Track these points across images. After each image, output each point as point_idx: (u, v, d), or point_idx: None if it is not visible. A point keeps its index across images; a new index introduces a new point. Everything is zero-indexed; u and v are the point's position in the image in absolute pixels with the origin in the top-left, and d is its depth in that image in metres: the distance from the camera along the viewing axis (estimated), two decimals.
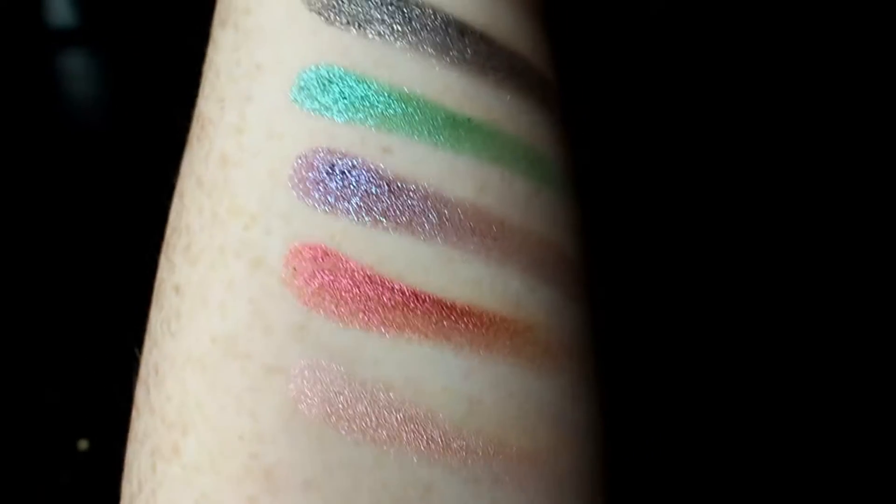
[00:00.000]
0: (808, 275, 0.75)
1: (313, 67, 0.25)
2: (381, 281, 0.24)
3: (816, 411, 0.69)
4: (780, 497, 0.65)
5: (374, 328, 0.24)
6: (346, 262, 0.24)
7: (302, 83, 0.25)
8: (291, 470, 0.23)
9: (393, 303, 0.24)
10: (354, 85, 0.25)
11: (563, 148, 0.28)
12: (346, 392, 0.24)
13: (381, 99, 0.25)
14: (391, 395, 0.24)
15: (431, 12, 0.25)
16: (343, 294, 0.24)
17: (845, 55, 0.81)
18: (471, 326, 0.25)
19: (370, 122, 0.25)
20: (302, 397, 0.24)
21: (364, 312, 0.24)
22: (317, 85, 0.25)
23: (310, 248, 0.24)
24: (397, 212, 0.24)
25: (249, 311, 0.24)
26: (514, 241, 0.26)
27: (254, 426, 0.24)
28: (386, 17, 0.25)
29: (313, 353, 0.24)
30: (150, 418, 0.26)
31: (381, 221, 0.24)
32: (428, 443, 0.24)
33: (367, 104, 0.25)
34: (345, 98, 0.25)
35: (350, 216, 0.24)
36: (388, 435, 0.24)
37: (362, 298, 0.24)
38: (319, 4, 0.25)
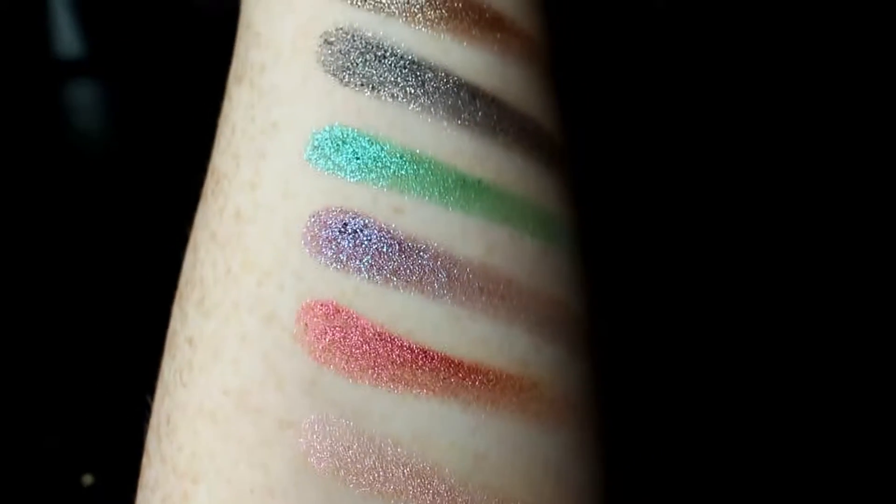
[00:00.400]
0: (808, 274, 0.75)
1: (327, 127, 0.25)
2: (390, 338, 0.25)
3: (816, 411, 0.69)
4: (780, 497, 0.65)
5: (384, 384, 0.24)
6: (357, 319, 0.25)
7: (316, 143, 0.25)
8: None
9: (402, 360, 0.25)
10: (367, 146, 0.25)
11: (570, 206, 0.29)
12: (354, 446, 0.24)
13: (394, 160, 0.25)
14: (399, 449, 0.24)
15: (444, 75, 0.26)
16: (353, 350, 0.24)
17: (847, 55, 0.82)
18: (478, 383, 0.25)
19: (382, 182, 0.25)
20: (312, 451, 0.24)
21: (374, 369, 0.24)
22: (330, 145, 0.25)
23: (321, 305, 0.25)
24: (408, 271, 0.25)
25: (262, 366, 0.25)
26: (522, 301, 0.26)
27: (265, 479, 0.24)
28: (399, 80, 0.26)
29: (323, 407, 0.24)
30: (162, 467, 0.27)
31: (392, 280, 0.25)
32: (434, 497, 0.25)
33: (380, 165, 0.25)
34: (358, 158, 0.25)
35: (361, 274, 0.25)
36: (394, 489, 0.24)
37: (372, 355, 0.25)
38: (334, 65, 0.26)
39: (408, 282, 0.25)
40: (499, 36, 0.27)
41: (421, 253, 0.25)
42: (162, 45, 1.36)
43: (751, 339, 0.71)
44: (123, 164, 1.14)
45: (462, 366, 0.25)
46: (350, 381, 0.24)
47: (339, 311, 0.25)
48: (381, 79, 0.26)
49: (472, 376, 0.25)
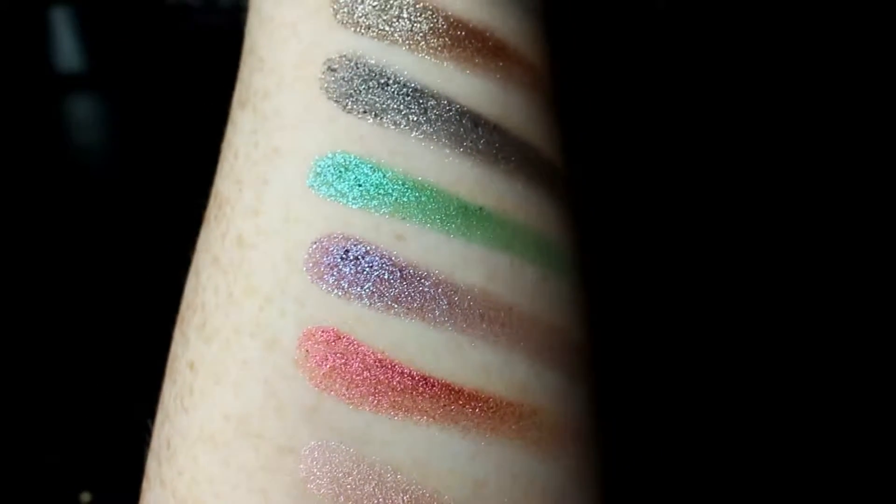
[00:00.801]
0: (808, 274, 0.75)
1: (329, 154, 0.26)
2: (391, 365, 0.25)
3: (816, 411, 0.69)
4: (780, 497, 0.65)
5: (384, 411, 0.25)
6: (358, 345, 0.25)
7: (318, 169, 0.26)
8: None
9: (402, 386, 0.25)
10: (369, 173, 0.25)
11: (571, 233, 0.29)
12: (354, 473, 0.24)
13: (396, 187, 0.25)
14: (399, 476, 0.25)
15: (446, 103, 0.26)
16: (354, 377, 0.25)
17: (847, 55, 0.82)
18: (478, 410, 0.25)
19: (384, 209, 0.25)
20: (312, 478, 0.24)
21: (374, 395, 0.25)
22: (333, 171, 0.25)
23: (323, 332, 0.25)
24: (409, 298, 0.25)
25: (263, 392, 0.25)
26: (522, 328, 0.26)
27: None
28: (402, 108, 0.26)
29: (324, 434, 0.24)
30: (161, 491, 0.27)
31: (393, 307, 0.25)
32: None
33: (382, 192, 0.25)
34: (360, 185, 0.25)
35: (363, 301, 0.25)
36: None
37: (373, 382, 0.25)
38: (337, 93, 0.26)
39: (409, 309, 0.25)
40: (501, 64, 0.27)
41: (422, 280, 0.25)
42: (161, 60, 1.37)
43: (751, 341, 0.71)
44: (123, 175, 1.14)
45: (462, 393, 0.25)
46: (351, 407, 0.24)
47: (340, 338, 0.25)
48: (384, 106, 0.26)
49: (473, 403, 0.25)
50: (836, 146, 0.81)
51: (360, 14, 0.26)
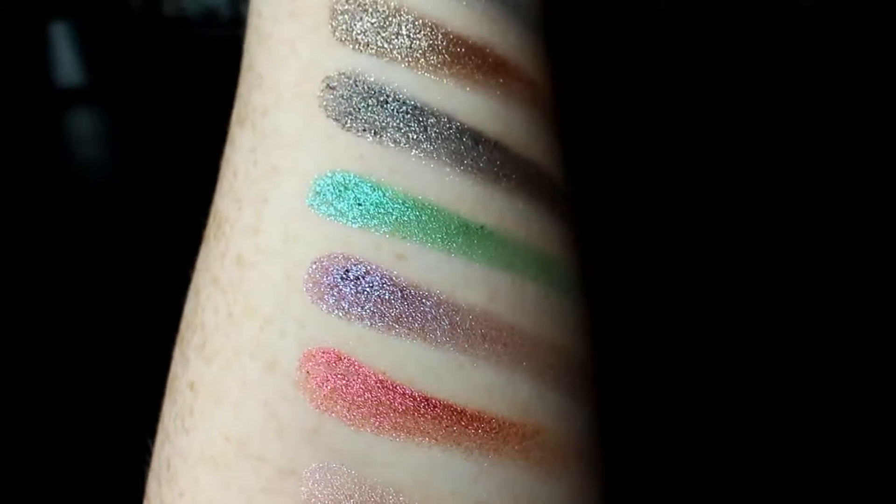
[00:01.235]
0: (808, 275, 0.75)
1: (329, 173, 0.25)
2: (392, 386, 0.25)
3: (816, 411, 0.69)
4: (780, 497, 0.65)
5: (385, 432, 0.24)
6: (359, 366, 0.24)
7: (318, 188, 0.25)
8: None
9: (404, 408, 0.25)
10: (369, 192, 0.25)
11: (572, 250, 0.29)
12: (356, 495, 0.24)
13: (396, 206, 0.25)
14: (401, 498, 0.24)
15: (447, 120, 0.26)
16: (355, 398, 0.24)
17: (847, 55, 0.82)
18: (480, 431, 0.25)
19: (385, 228, 0.25)
20: (313, 500, 0.24)
21: (375, 417, 0.24)
22: (332, 191, 0.25)
23: (323, 352, 0.25)
24: (410, 318, 0.25)
25: (263, 413, 0.25)
26: (524, 347, 0.26)
27: None
28: (402, 125, 0.26)
29: (325, 456, 0.24)
30: None
31: (394, 327, 0.25)
32: None
33: (382, 211, 0.25)
34: (360, 205, 0.25)
35: (363, 321, 0.25)
36: None
37: (374, 403, 0.24)
38: (336, 111, 0.26)
39: (410, 329, 0.25)
40: (502, 80, 0.27)
41: (423, 300, 0.25)
42: (160, 72, 1.37)
43: (754, 355, 0.71)
44: (123, 188, 1.14)
45: (464, 413, 0.25)
46: (352, 429, 0.24)
47: (340, 359, 0.24)
48: (383, 124, 0.26)
49: (475, 424, 0.25)
50: (835, 147, 0.81)
51: (359, 31, 0.26)
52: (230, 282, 0.26)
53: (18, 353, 0.82)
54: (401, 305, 0.25)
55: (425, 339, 0.25)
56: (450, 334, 0.25)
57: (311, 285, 0.25)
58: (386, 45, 0.26)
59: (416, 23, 0.26)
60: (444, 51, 0.26)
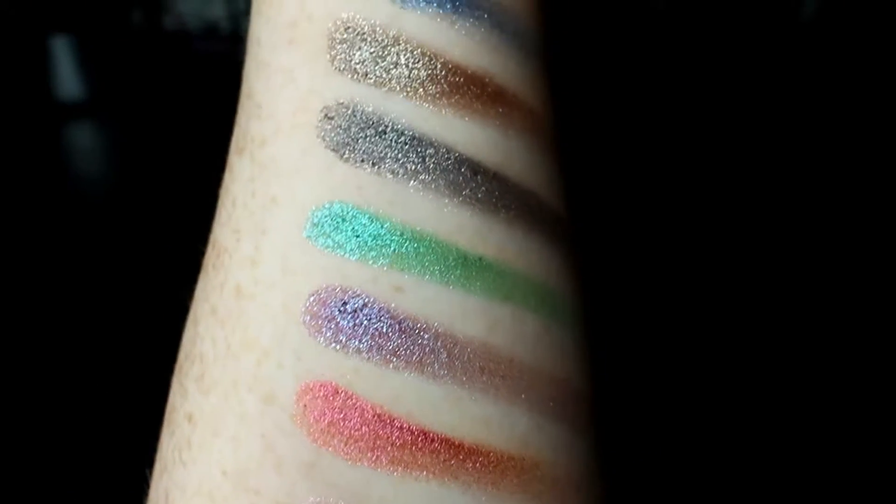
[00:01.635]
0: (808, 275, 0.75)
1: (327, 204, 0.25)
2: (390, 420, 0.24)
3: (816, 411, 0.68)
4: (780, 497, 0.65)
5: (383, 467, 0.24)
6: (356, 400, 0.24)
7: (316, 220, 0.25)
8: None
9: (402, 441, 0.24)
10: (367, 223, 0.25)
11: (572, 280, 0.28)
12: None
13: (394, 238, 0.25)
14: None
15: (445, 151, 0.26)
16: (352, 432, 0.24)
17: (846, 56, 0.82)
18: (478, 465, 0.25)
19: (382, 260, 0.25)
20: None
21: (373, 451, 0.24)
22: (330, 222, 0.25)
23: (321, 386, 0.24)
24: (408, 351, 0.25)
25: (261, 447, 0.25)
26: (523, 380, 0.26)
27: None
28: (400, 156, 0.26)
29: (322, 490, 0.24)
30: None
31: (392, 360, 0.25)
32: None
33: (380, 243, 0.25)
34: (357, 237, 0.25)
35: (361, 355, 0.24)
36: None
37: (371, 437, 0.24)
38: (334, 141, 0.26)
39: (408, 362, 0.25)
40: (501, 110, 0.27)
41: (421, 333, 0.25)
42: (161, 86, 1.37)
43: (750, 339, 0.71)
44: (123, 202, 1.14)
45: (462, 447, 0.25)
46: (349, 463, 0.24)
47: (338, 392, 0.24)
48: (382, 154, 0.26)
49: (473, 458, 0.25)
50: (835, 147, 0.81)
51: (358, 61, 0.26)
52: (229, 313, 0.26)
53: (14, 369, 0.82)
54: (398, 338, 0.25)
55: (423, 371, 0.25)
56: (448, 367, 0.25)
57: (308, 318, 0.25)
58: (384, 75, 0.26)
59: (415, 52, 0.26)
60: (443, 81, 0.26)
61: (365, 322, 0.25)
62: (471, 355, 0.25)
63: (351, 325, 0.25)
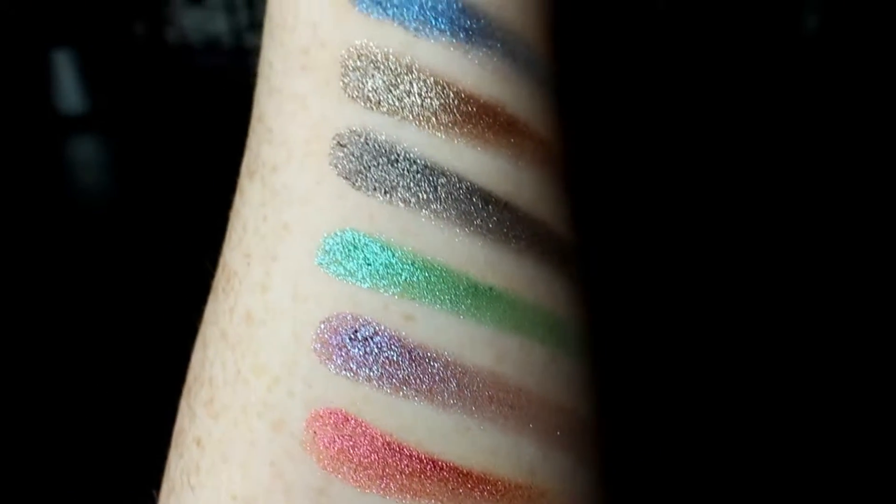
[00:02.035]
0: (809, 276, 0.75)
1: (338, 232, 0.25)
2: (399, 448, 0.24)
3: (816, 411, 0.68)
4: (780, 497, 0.65)
5: (392, 495, 0.24)
6: (366, 428, 0.24)
7: (327, 247, 0.25)
8: None
9: (411, 470, 0.24)
10: (379, 252, 0.25)
11: (580, 309, 0.29)
12: None
13: (405, 267, 0.25)
14: None
15: (457, 180, 0.26)
16: (362, 460, 0.24)
17: (846, 57, 0.82)
18: (486, 494, 0.25)
19: (393, 289, 0.25)
20: None
21: (382, 479, 0.24)
22: (342, 250, 0.25)
23: (331, 413, 0.25)
24: (418, 379, 0.25)
25: (270, 473, 0.25)
26: (531, 409, 0.26)
27: None
28: (412, 185, 0.26)
29: None
30: None
31: (402, 389, 0.25)
32: None
33: (391, 272, 0.25)
34: (369, 265, 0.25)
35: (371, 383, 0.25)
36: None
37: (381, 465, 0.24)
38: (347, 169, 0.26)
39: (418, 391, 0.25)
40: (513, 140, 0.27)
41: (431, 362, 0.25)
42: (163, 100, 1.37)
43: (750, 339, 0.71)
44: (125, 216, 1.14)
45: (471, 476, 0.25)
46: (358, 490, 0.24)
47: (348, 420, 0.24)
48: (394, 183, 0.26)
49: (481, 486, 0.25)
50: (835, 148, 0.81)
51: (370, 89, 0.26)
52: (239, 338, 0.26)
53: (16, 382, 0.82)
54: (409, 367, 0.25)
55: (433, 400, 0.25)
56: (457, 396, 0.25)
57: (319, 345, 0.25)
58: (397, 104, 0.26)
59: (428, 81, 0.26)
60: (455, 110, 0.26)
61: (375, 350, 0.25)
62: (480, 385, 0.25)
63: (362, 353, 0.25)
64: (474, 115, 0.27)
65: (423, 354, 0.25)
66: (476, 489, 0.25)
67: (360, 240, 0.25)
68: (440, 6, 0.27)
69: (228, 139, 0.31)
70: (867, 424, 0.68)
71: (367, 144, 0.26)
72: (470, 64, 0.27)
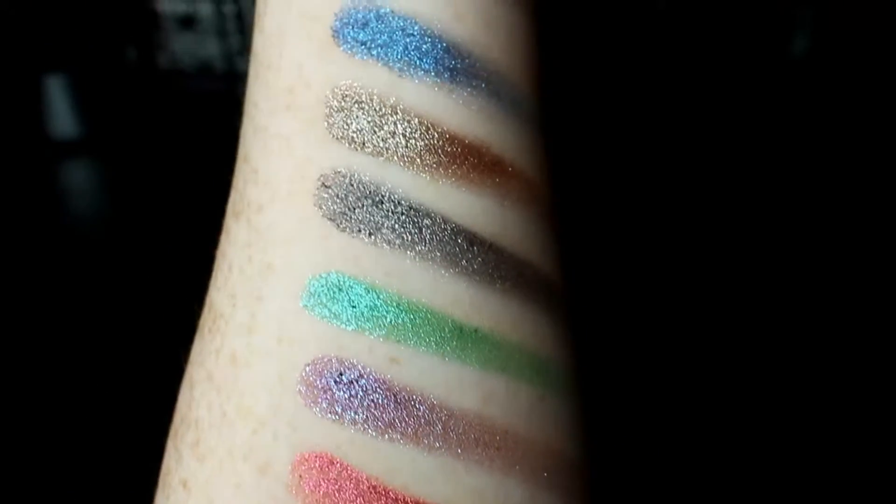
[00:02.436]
0: (809, 276, 0.75)
1: (323, 274, 0.25)
2: (385, 491, 0.24)
3: (816, 411, 0.68)
4: (780, 497, 0.64)
5: None
6: (351, 471, 0.24)
7: (312, 289, 0.25)
8: None
9: None
10: (364, 294, 0.25)
11: (567, 348, 0.28)
12: None
13: (390, 309, 0.25)
14: None
15: (442, 221, 0.26)
16: (348, 503, 0.24)
17: (846, 57, 0.82)
18: None
19: (378, 332, 0.25)
20: None
21: None
22: (326, 292, 0.25)
23: (316, 457, 0.24)
24: (403, 423, 0.25)
25: None
26: (518, 451, 0.26)
27: None
28: (397, 226, 0.26)
29: None
30: None
31: (387, 432, 0.25)
32: None
33: (376, 314, 0.25)
34: (354, 307, 0.25)
35: (357, 426, 0.24)
36: None
37: None
38: (331, 210, 0.26)
39: (403, 434, 0.25)
40: (498, 180, 0.27)
41: (417, 404, 0.25)
42: (155, 125, 1.37)
43: (750, 339, 0.71)
44: (118, 241, 1.14)
45: None
46: None
47: (333, 463, 0.24)
48: (379, 224, 0.26)
49: None
50: (834, 148, 0.81)
51: (355, 129, 0.26)
52: (224, 380, 0.26)
53: (8, 408, 0.82)
54: (394, 410, 0.25)
55: (418, 444, 0.25)
56: (443, 439, 0.25)
57: (304, 388, 0.25)
58: (382, 145, 0.26)
59: (412, 122, 0.26)
60: (440, 151, 0.26)
61: (361, 393, 0.25)
62: (466, 427, 0.25)
63: (347, 396, 0.25)
64: (459, 156, 0.26)
65: (409, 397, 0.25)
66: None
67: (344, 282, 0.25)
68: (424, 46, 0.27)
69: (221, 163, 0.31)
70: (867, 424, 0.68)
71: (352, 185, 0.26)
72: (455, 104, 0.27)
